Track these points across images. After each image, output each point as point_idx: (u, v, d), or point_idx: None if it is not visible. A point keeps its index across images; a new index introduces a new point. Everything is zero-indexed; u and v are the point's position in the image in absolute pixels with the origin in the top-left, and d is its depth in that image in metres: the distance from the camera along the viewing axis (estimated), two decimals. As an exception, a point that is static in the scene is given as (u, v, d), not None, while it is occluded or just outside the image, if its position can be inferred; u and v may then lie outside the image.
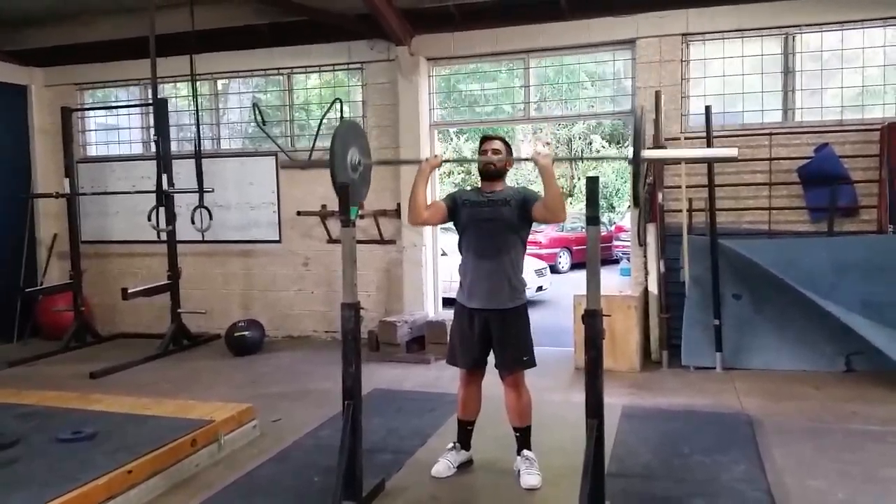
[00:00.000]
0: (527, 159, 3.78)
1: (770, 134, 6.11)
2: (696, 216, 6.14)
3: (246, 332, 6.94)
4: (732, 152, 3.27)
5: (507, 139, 3.76)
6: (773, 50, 6.24)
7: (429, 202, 3.66)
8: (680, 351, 5.95)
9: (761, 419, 4.60)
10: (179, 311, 7.23)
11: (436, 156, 3.76)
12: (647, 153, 3.04)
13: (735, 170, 6.16)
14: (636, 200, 3.22)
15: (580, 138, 20.63)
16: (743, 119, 6.32)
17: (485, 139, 3.70)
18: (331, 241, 7.37)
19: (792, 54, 6.18)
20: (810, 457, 3.97)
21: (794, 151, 6.05)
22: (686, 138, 6.16)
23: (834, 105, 6.21)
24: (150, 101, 7.27)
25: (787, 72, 6.20)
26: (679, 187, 6.07)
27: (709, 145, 5.91)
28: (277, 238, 7.63)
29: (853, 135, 5.94)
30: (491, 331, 3.58)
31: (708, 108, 5.93)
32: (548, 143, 21.07)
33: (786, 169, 6.07)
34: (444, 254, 7.65)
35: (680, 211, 6.06)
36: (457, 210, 3.67)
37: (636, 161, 2.89)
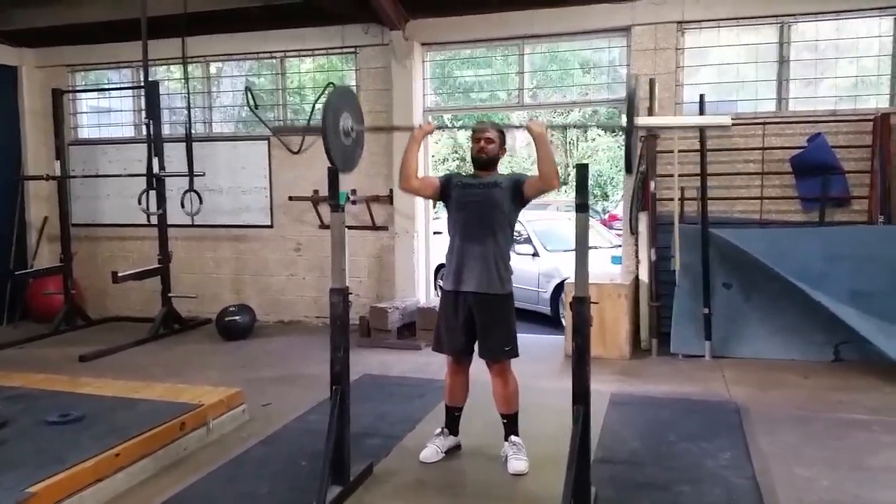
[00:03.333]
0: (520, 127, 3.79)
1: (763, 123, 6.10)
2: (688, 205, 6.15)
3: (236, 317, 6.93)
4: (726, 120, 3.32)
5: (500, 127, 3.73)
6: (769, 39, 6.22)
7: (421, 175, 3.67)
8: (669, 339, 5.97)
9: (749, 407, 4.63)
10: (170, 295, 7.21)
11: (428, 122, 3.77)
12: (640, 120, 3.05)
13: (728, 159, 6.16)
14: (629, 167, 3.22)
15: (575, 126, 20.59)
16: (737, 108, 6.32)
17: (476, 129, 3.67)
18: (323, 226, 7.35)
19: (787, 43, 6.16)
20: (796, 445, 4.00)
21: (787, 141, 6.05)
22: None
23: (828, 95, 6.21)
24: (142, 84, 7.20)
25: (782, 61, 6.18)
26: (671, 176, 6.06)
27: (702, 134, 5.92)
28: (269, 223, 7.60)
29: (846, 125, 5.94)
30: (475, 318, 3.58)
31: (702, 97, 5.92)
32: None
33: (778, 158, 6.07)
34: (437, 232, 7.62)
35: (672, 200, 6.06)
36: (449, 189, 3.67)
37: (629, 128, 2.89)
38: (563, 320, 7.32)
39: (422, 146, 3.70)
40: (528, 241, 8.73)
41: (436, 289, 7.52)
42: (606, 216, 17.08)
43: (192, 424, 4.06)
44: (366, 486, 3.45)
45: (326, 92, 6.94)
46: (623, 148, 3.11)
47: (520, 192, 3.56)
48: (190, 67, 7.40)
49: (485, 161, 3.61)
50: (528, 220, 9.29)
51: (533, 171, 3.65)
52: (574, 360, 2.97)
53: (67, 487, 3.21)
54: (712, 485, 3.44)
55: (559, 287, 7.83)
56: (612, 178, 19.11)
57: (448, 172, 3.77)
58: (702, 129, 5.89)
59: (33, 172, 8.00)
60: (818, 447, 3.95)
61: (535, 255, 8.54)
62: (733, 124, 6.04)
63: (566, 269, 7.68)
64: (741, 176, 6.17)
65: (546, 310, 8.16)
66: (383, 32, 6.96)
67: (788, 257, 5.66)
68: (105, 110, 8.43)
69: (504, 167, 3.87)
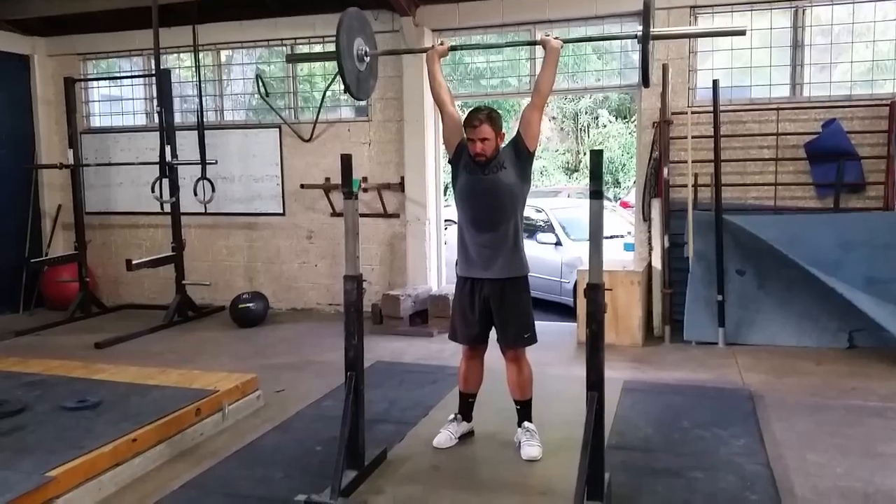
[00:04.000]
0: (536, 43, 3.85)
1: (777, 109, 6.05)
2: (702, 191, 6.11)
3: (250, 304, 6.97)
4: (741, 29, 3.38)
5: (494, 115, 3.53)
6: (783, 23, 6.15)
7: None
8: (682, 326, 5.96)
9: (762, 394, 4.62)
10: (184, 282, 7.26)
11: (441, 42, 3.75)
12: (656, 30, 3.11)
13: (741, 145, 6.12)
14: (646, 79, 3.25)
15: (586, 112, 20.50)
16: (751, 93, 6.26)
17: (471, 125, 3.46)
18: (334, 214, 7.36)
19: (801, 28, 6.09)
20: (810, 431, 3.99)
21: (801, 127, 6.00)
22: (693, 112, 6.09)
23: (843, 80, 6.14)
24: (153, 73, 7.21)
25: (797, 46, 6.11)
26: (685, 162, 6.03)
27: (715, 119, 5.87)
28: (281, 211, 7.62)
29: (862, 110, 5.88)
30: (491, 306, 3.56)
31: (715, 82, 5.87)
32: (553, 118, 20.96)
33: (793, 144, 6.01)
34: (449, 220, 7.61)
35: (685, 186, 6.02)
36: (459, 160, 3.60)
37: (645, 39, 2.91)
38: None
39: (432, 137, 3.64)
40: (551, 229, 8.56)
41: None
42: (618, 203, 16.99)
43: (208, 410, 4.10)
44: (380, 471, 3.47)
45: (336, 79, 6.92)
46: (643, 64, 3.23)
47: (522, 148, 3.52)
48: (201, 55, 7.39)
49: (484, 161, 3.50)
50: (552, 207, 9.16)
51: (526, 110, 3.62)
52: (588, 346, 2.96)
53: (86, 472, 3.25)
54: (726, 471, 3.44)
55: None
56: (624, 164, 18.99)
57: (463, 138, 3.62)
58: (715, 112, 5.84)
59: (47, 161, 8.05)
60: (832, 434, 3.94)
61: (558, 244, 8.38)
62: (746, 109, 6.07)
63: None
64: (755, 162, 6.12)
65: (569, 300, 7.79)
66: (393, 19, 6.93)
67: (803, 244, 5.62)
68: (117, 98, 8.45)
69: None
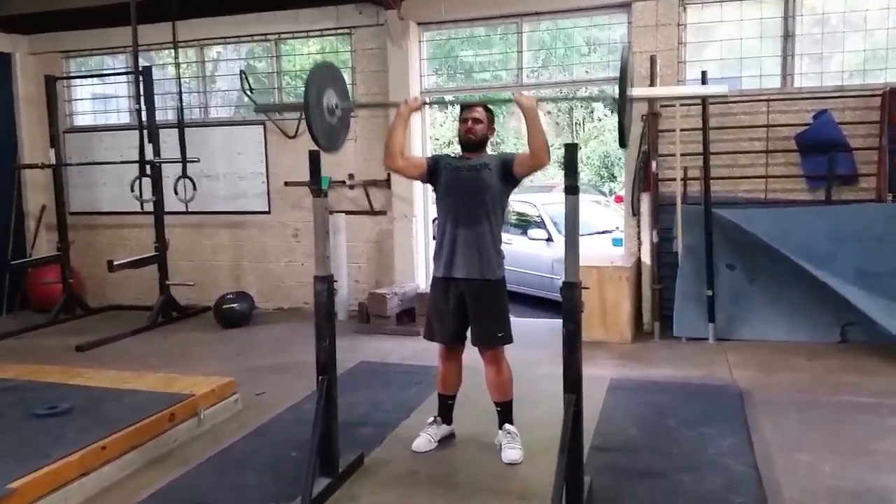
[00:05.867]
0: (508, 101, 3.65)
1: (768, 100, 5.94)
2: (691, 185, 6.01)
3: (235, 305, 6.87)
4: (723, 89, 3.17)
5: (489, 107, 3.60)
6: (773, 13, 6.04)
7: (409, 154, 3.56)
8: (672, 322, 5.87)
9: (752, 391, 4.53)
10: (168, 283, 7.15)
11: (415, 98, 3.62)
12: (635, 91, 2.91)
13: (731, 137, 6.01)
14: (622, 141, 3.09)
15: (581, 106, 20.38)
16: (741, 85, 6.15)
17: (465, 109, 3.55)
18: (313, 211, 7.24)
19: (792, 17, 5.98)
20: (799, 429, 3.90)
21: (792, 118, 5.89)
22: (682, 104, 5.98)
23: (835, 70, 6.03)
24: (134, 70, 7.09)
25: (787, 36, 6.00)
26: (674, 155, 5.92)
27: (704, 112, 5.77)
28: (267, 209, 7.52)
29: (853, 101, 5.77)
30: (467, 304, 3.48)
31: (704, 74, 5.76)
32: (548, 112, 20.83)
33: (784, 136, 5.91)
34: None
35: (674, 180, 5.93)
36: (437, 172, 3.55)
37: (622, 102, 2.75)
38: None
39: (419, 127, 3.55)
40: (542, 225, 8.40)
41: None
42: (613, 197, 16.88)
43: (183, 415, 4.00)
44: (355, 478, 3.37)
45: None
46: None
47: (510, 172, 3.44)
48: (187, 52, 7.28)
49: (473, 143, 3.49)
50: (543, 203, 9.06)
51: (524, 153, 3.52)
52: (565, 347, 2.88)
53: (51, 482, 3.15)
54: (712, 472, 3.35)
55: None
56: (620, 158, 18.88)
57: (435, 154, 3.63)
58: (704, 105, 5.74)
59: (29, 161, 7.93)
60: (822, 432, 3.85)
61: (549, 240, 8.18)
62: (736, 101, 5.97)
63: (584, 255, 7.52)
64: (745, 154, 6.02)
65: (559, 297, 7.90)
66: (378, 12, 6.81)
67: (794, 237, 5.53)
68: (101, 97, 8.33)
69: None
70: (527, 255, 8.09)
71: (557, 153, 20.83)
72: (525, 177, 3.52)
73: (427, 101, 3.66)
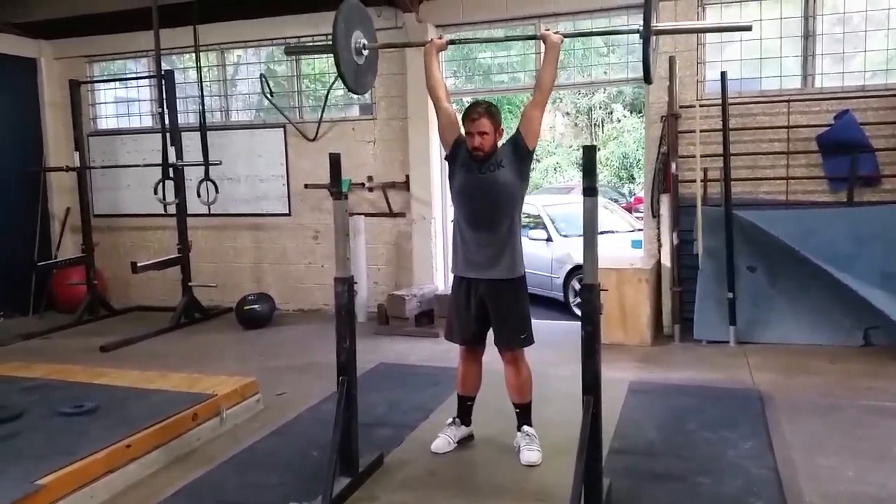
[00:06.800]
0: (535, 37, 3.80)
1: (788, 101, 5.90)
2: (711, 186, 5.98)
3: (256, 306, 6.94)
4: (747, 24, 3.22)
5: (493, 110, 3.47)
6: (793, 13, 5.99)
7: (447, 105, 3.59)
8: (692, 325, 5.84)
9: (773, 394, 4.50)
10: (190, 284, 7.24)
11: (440, 36, 3.69)
12: (659, 24, 2.98)
13: (752, 138, 5.97)
14: (647, 76, 3.14)
15: (600, 107, 20.34)
16: (761, 85, 6.10)
17: (469, 118, 3.42)
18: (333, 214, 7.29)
19: (812, 17, 5.93)
20: (821, 433, 3.87)
21: (813, 119, 5.84)
22: (701, 105, 5.96)
23: (857, 70, 5.97)
24: (156, 74, 7.19)
25: (808, 35, 5.95)
26: (693, 157, 5.90)
27: (724, 112, 5.74)
28: (287, 211, 7.59)
29: (876, 101, 5.71)
30: (487, 305, 3.49)
31: (724, 75, 5.74)
32: (567, 114, 20.80)
33: (804, 137, 5.86)
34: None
35: (694, 181, 5.90)
36: (455, 160, 3.52)
37: (646, 33, 2.80)
38: (573, 307, 7.65)
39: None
40: (542, 226, 8.64)
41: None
42: (633, 199, 16.80)
43: (205, 415, 4.06)
44: (375, 478, 3.40)
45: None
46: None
47: (522, 146, 3.43)
48: (207, 55, 7.36)
49: (482, 157, 3.43)
50: (544, 204, 9.23)
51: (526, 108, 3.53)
52: (584, 348, 2.89)
53: (78, 479, 3.21)
54: (732, 476, 3.34)
55: (571, 273, 7.90)
56: (639, 159, 18.80)
57: (461, 134, 3.57)
58: (724, 105, 5.70)
59: (54, 164, 8.06)
60: (844, 436, 3.82)
61: (549, 240, 8.49)
62: (756, 101, 5.93)
63: (579, 254, 7.58)
64: (766, 156, 5.97)
65: (559, 296, 8.18)
66: (396, 15, 6.85)
67: (816, 239, 5.48)
68: (124, 100, 8.45)
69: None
70: (527, 254, 8.11)
71: (576, 154, 20.85)
72: (536, 129, 3.47)
73: (451, 39, 3.71)
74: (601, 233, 9.30)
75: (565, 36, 3.51)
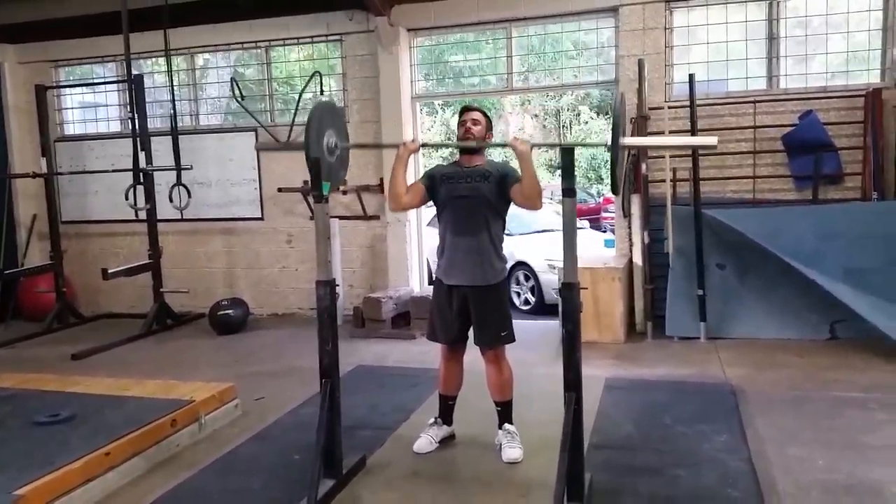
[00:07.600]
0: (504, 145, 3.66)
1: (754, 101, 6.05)
2: (681, 186, 6.11)
3: (229, 311, 6.89)
4: (712, 141, 3.20)
5: (486, 111, 3.66)
6: (758, 16, 6.15)
7: (409, 183, 3.59)
8: (664, 322, 5.94)
9: (745, 388, 4.60)
10: (162, 290, 7.17)
11: (413, 140, 3.66)
12: (627, 140, 2.94)
13: (720, 138, 6.06)
14: (614, 188, 3.11)
15: (568, 109, 20.52)
16: (727, 87, 6.26)
17: (464, 110, 3.60)
18: (314, 217, 7.27)
19: (776, 20, 6.09)
20: (792, 425, 3.97)
21: (778, 119, 6.00)
22: (670, 107, 6.08)
23: (819, 71, 6.15)
24: (125, 79, 7.10)
25: (772, 38, 6.12)
26: (663, 157, 6.01)
27: (692, 114, 5.85)
28: (259, 215, 7.55)
29: (838, 101, 5.89)
30: (469, 307, 3.53)
31: (691, 77, 5.87)
32: (535, 115, 20.95)
33: (770, 137, 6.02)
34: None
35: (664, 181, 6.02)
36: (435, 187, 3.59)
37: (615, 149, 2.79)
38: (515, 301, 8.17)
39: (410, 160, 3.55)
40: None
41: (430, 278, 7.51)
42: (601, 199, 17.01)
43: (184, 421, 4.02)
44: (359, 479, 3.42)
45: (313, 81, 6.85)
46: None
47: (506, 192, 3.47)
48: (176, 59, 7.30)
49: (471, 141, 3.49)
50: None
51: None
52: (564, 346, 2.94)
53: (56, 488, 3.17)
54: (708, 468, 3.42)
55: (513, 269, 8.19)
56: (607, 160, 19.01)
57: (428, 170, 3.67)
58: (692, 107, 5.83)
59: (20, 170, 7.91)
60: (814, 427, 3.93)
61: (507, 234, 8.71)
62: (723, 103, 6.07)
63: (524, 251, 8.35)
64: (733, 155, 6.12)
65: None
66: (368, 19, 6.87)
67: (782, 236, 5.62)
68: (91, 105, 8.32)
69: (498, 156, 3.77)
70: None
71: (544, 156, 21.00)
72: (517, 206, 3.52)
73: (424, 142, 3.71)
74: (541, 231, 9.69)
75: (534, 145, 3.41)
